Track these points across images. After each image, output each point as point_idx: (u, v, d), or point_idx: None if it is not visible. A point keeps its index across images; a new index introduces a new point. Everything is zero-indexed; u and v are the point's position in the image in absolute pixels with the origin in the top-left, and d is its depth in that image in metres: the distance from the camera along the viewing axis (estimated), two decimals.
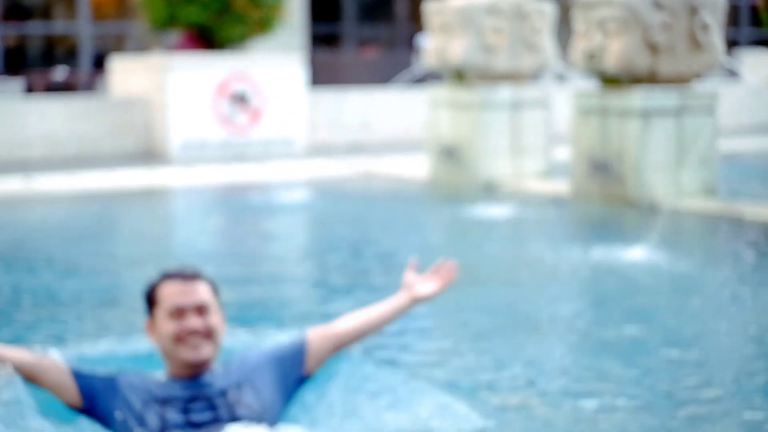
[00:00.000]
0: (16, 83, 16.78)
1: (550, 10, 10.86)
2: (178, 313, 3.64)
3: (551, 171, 10.75)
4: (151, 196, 10.97)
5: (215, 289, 3.71)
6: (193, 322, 3.63)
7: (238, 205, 10.27)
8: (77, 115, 13.84)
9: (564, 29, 12.43)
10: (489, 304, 5.69)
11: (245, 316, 5.19)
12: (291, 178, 11.82)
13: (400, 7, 24.70)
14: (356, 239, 7.96)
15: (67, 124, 13.75)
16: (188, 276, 3.70)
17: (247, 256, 7.51)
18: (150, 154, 13.95)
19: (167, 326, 3.63)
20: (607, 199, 9.12)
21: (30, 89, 17.29)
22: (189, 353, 3.61)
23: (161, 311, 3.66)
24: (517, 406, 4.01)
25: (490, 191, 10.26)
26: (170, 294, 3.65)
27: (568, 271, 6.57)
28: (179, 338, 3.63)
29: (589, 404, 3.97)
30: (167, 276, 3.70)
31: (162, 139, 13.86)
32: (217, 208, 10.29)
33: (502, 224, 8.59)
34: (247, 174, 12.11)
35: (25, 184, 11.05)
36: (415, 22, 20.89)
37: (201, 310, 3.66)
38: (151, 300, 3.70)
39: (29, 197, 10.59)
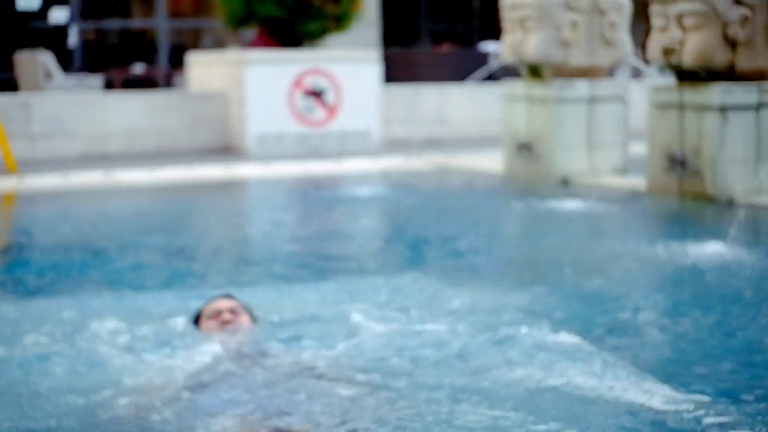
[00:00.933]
0: (96, 79, 17.06)
1: (627, 5, 10.82)
2: (216, 313, 4.78)
3: (627, 166, 10.72)
4: (228, 188, 11.13)
5: (249, 308, 4.90)
6: (227, 316, 4.75)
7: (314, 198, 10.38)
8: (156, 110, 14.05)
9: (637, 23, 12.36)
10: (582, 301, 5.64)
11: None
12: (366, 171, 11.91)
13: (475, 3, 24.69)
14: (431, 231, 8.01)
15: (146, 118, 13.97)
16: (223, 295, 4.96)
17: (322, 247, 7.58)
18: (227, 148, 14.14)
19: (208, 324, 4.75)
20: (684, 195, 9.08)
21: (109, 85, 17.56)
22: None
23: (203, 319, 4.80)
24: None
25: (565, 186, 10.26)
26: (210, 306, 4.86)
27: (649, 266, 6.56)
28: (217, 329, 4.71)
29: None
30: (208, 301, 4.92)
31: (239, 133, 14.02)
32: (292, 201, 10.41)
33: (579, 219, 8.59)
34: (322, 167, 12.24)
35: (107, 177, 11.26)
36: (490, 17, 20.87)
37: (233, 311, 4.81)
38: (196, 320, 4.86)
39: (110, 189, 10.79)
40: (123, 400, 3.96)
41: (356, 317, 5.14)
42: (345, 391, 4.09)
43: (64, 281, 6.37)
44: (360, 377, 4.28)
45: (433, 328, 5.00)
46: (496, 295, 5.75)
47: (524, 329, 4.84)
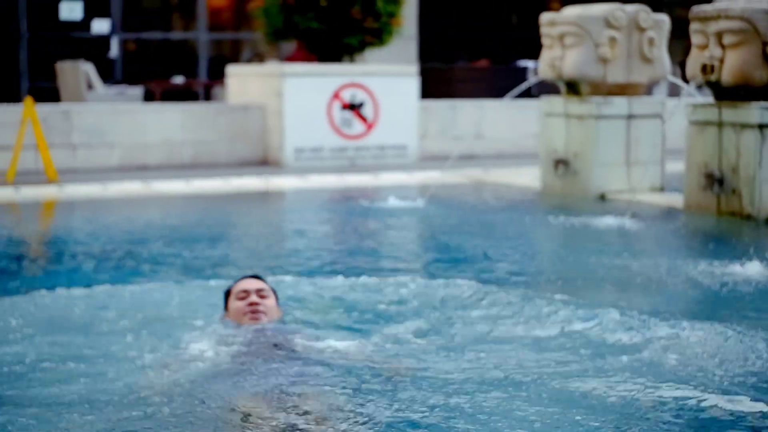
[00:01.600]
0: (136, 90, 17.20)
1: (667, 22, 10.82)
2: (244, 294, 5.08)
3: (665, 184, 10.70)
4: (264, 199, 11.20)
5: (273, 290, 5.21)
6: (254, 297, 5.05)
7: (350, 210, 10.41)
8: (194, 121, 14.15)
9: (675, 41, 12.34)
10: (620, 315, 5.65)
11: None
12: (403, 185, 11.95)
13: (514, 19, 24.71)
14: (467, 245, 8.03)
15: (185, 130, 14.07)
16: (251, 276, 5.28)
17: (355, 259, 7.61)
18: (265, 160, 14.22)
19: (236, 304, 5.06)
20: (722, 213, 9.06)
21: (148, 96, 17.70)
22: (250, 323, 4.96)
23: (232, 297, 5.12)
24: None
25: (602, 203, 10.26)
26: (238, 285, 5.17)
27: (688, 284, 6.53)
28: (244, 312, 5.02)
29: None
30: (237, 280, 5.26)
31: (277, 145, 14.10)
32: (328, 213, 10.45)
33: (616, 235, 8.58)
34: (359, 180, 12.29)
35: (145, 187, 11.36)
36: (528, 33, 20.88)
37: (259, 293, 5.09)
38: (226, 295, 5.18)
39: (148, 198, 10.88)
40: (156, 384, 4.38)
41: (384, 315, 5.47)
42: (365, 380, 4.35)
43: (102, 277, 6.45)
44: (383, 366, 4.56)
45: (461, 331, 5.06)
46: (530, 306, 5.78)
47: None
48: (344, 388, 4.25)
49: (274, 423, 3.83)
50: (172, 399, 4.16)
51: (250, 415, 3.93)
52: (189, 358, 4.67)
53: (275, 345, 4.69)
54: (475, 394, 4.23)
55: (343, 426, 3.85)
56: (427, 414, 4.00)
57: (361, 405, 4.07)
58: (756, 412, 4.00)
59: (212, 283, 6.25)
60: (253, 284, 5.15)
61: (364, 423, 3.91)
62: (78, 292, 6.03)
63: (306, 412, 3.93)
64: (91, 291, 6.06)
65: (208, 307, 5.57)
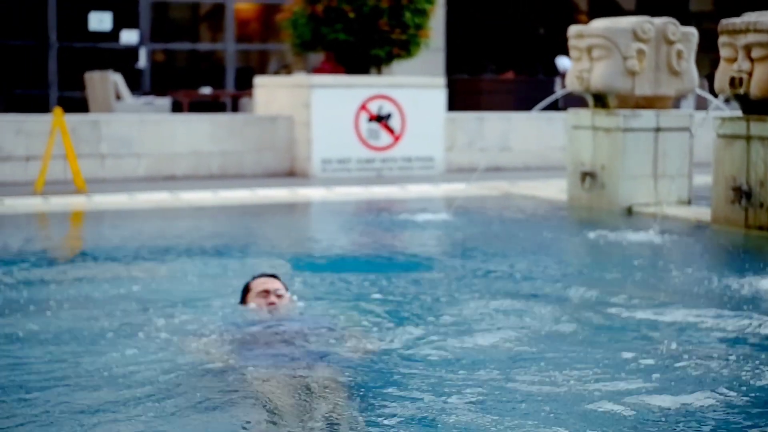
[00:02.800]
0: (164, 101, 17.29)
1: (695, 35, 10.79)
2: (265, 294, 5.72)
3: (692, 197, 10.66)
4: (290, 210, 11.23)
5: (285, 285, 5.87)
6: (273, 298, 5.69)
7: (375, 222, 10.42)
8: (222, 132, 14.21)
9: (702, 54, 12.30)
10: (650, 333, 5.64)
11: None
12: (429, 196, 11.96)
13: (541, 30, 24.70)
14: (493, 258, 8.02)
15: (212, 140, 14.12)
16: (269, 274, 5.92)
17: (381, 271, 7.62)
18: (292, 171, 14.26)
19: (257, 301, 5.70)
20: (749, 227, 9.02)
21: (176, 107, 17.78)
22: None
23: (252, 294, 5.75)
24: None
25: (630, 216, 10.23)
26: (259, 283, 5.80)
27: (718, 299, 6.51)
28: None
29: None
30: (256, 276, 5.90)
31: (304, 156, 14.14)
32: (355, 225, 10.46)
33: (644, 249, 8.55)
34: (386, 191, 12.30)
35: (173, 197, 11.41)
36: (555, 45, 20.87)
37: (277, 293, 5.73)
38: (245, 290, 5.82)
39: (176, 208, 10.93)
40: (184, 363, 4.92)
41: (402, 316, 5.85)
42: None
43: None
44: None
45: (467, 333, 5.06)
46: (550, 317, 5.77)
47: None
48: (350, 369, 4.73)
49: (282, 401, 4.28)
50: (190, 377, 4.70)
51: (261, 395, 4.37)
52: (206, 340, 5.23)
53: (289, 331, 5.26)
54: (498, 399, 4.24)
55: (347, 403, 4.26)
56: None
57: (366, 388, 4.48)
58: None
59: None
60: (271, 284, 5.78)
61: (367, 400, 4.33)
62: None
63: (310, 388, 4.39)
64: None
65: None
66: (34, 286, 6.84)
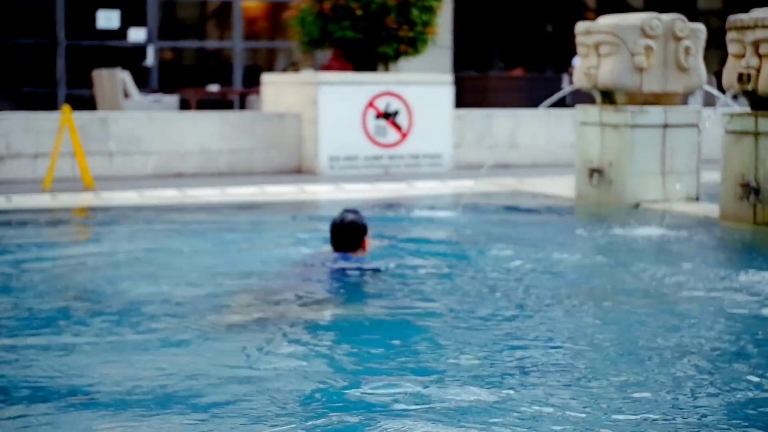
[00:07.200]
0: (172, 98, 17.30)
1: (703, 31, 10.77)
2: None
3: (700, 193, 10.65)
4: (298, 207, 11.22)
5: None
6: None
7: (387, 219, 10.42)
8: (230, 130, 14.22)
9: (710, 50, 12.29)
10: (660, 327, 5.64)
11: None
12: (437, 193, 11.95)
13: (549, 27, 24.68)
14: (502, 255, 8.02)
15: (220, 138, 14.14)
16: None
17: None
18: (300, 169, 14.26)
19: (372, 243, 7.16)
20: (758, 223, 9.00)
21: (184, 105, 17.80)
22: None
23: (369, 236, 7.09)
24: None
25: (638, 212, 10.22)
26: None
27: (725, 295, 6.50)
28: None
29: None
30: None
31: (312, 154, 14.15)
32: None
33: (651, 246, 8.54)
34: (394, 188, 12.30)
35: (181, 194, 11.42)
36: (563, 42, 20.86)
37: None
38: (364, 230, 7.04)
39: (184, 205, 10.93)
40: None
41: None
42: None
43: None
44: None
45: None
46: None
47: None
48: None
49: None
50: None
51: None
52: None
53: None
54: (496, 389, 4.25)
55: None
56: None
57: None
58: None
59: None
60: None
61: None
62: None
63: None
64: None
65: None
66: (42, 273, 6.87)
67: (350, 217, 7.10)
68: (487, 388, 4.42)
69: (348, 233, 7.02)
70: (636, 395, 4.33)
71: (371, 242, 7.20)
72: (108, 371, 4.69)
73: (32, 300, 6.27)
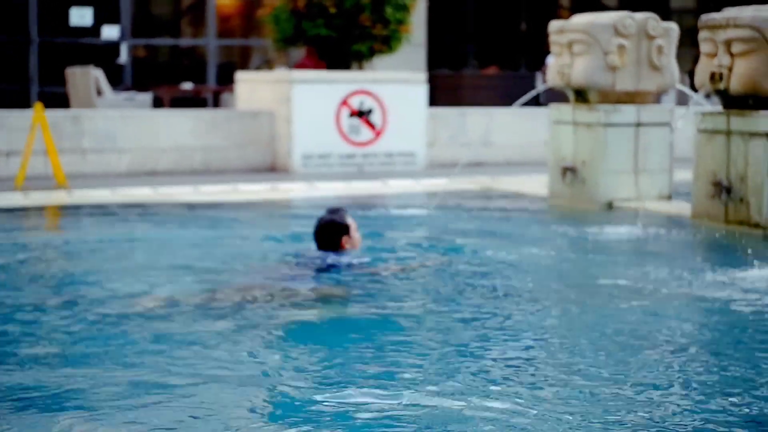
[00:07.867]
0: (146, 96, 17.24)
1: (676, 30, 10.82)
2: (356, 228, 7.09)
3: (673, 192, 10.69)
4: (270, 206, 11.20)
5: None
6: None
7: (361, 218, 10.41)
8: (203, 127, 14.19)
9: (683, 49, 12.34)
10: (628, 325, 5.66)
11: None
12: (411, 192, 11.96)
13: (522, 26, 24.73)
14: (473, 253, 8.03)
15: (194, 136, 14.10)
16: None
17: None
18: (273, 167, 14.24)
19: (357, 235, 7.12)
20: (729, 222, 9.05)
21: (157, 102, 17.74)
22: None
23: (353, 231, 7.08)
24: None
25: (610, 211, 10.25)
26: (352, 221, 7.13)
27: (696, 292, 6.53)
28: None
29: None
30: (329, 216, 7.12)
31: (285, 152, 14.13)
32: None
33: (624, 245, 8.57)
34: (367, 187, 12.30)
35: (154, 193, 11.38)
36: (537, 41, 20.91)
37: None
38: (347, 228, 7.02)
39: (157, 203, 10.90)
40: None
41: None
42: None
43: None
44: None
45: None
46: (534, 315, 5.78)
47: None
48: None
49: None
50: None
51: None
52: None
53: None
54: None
55: None
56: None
57: None
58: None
59: None
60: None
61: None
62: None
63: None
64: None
65: None
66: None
67: (328, 216, 7.06)
68: (465, 387, 4.43)
69: (325, 233, 6.99)
70: (612, 391, 4.35)
71: (358, 240, 7.15)
72: (78, 372, 4.67)
73: (1, 297, 6.24)
